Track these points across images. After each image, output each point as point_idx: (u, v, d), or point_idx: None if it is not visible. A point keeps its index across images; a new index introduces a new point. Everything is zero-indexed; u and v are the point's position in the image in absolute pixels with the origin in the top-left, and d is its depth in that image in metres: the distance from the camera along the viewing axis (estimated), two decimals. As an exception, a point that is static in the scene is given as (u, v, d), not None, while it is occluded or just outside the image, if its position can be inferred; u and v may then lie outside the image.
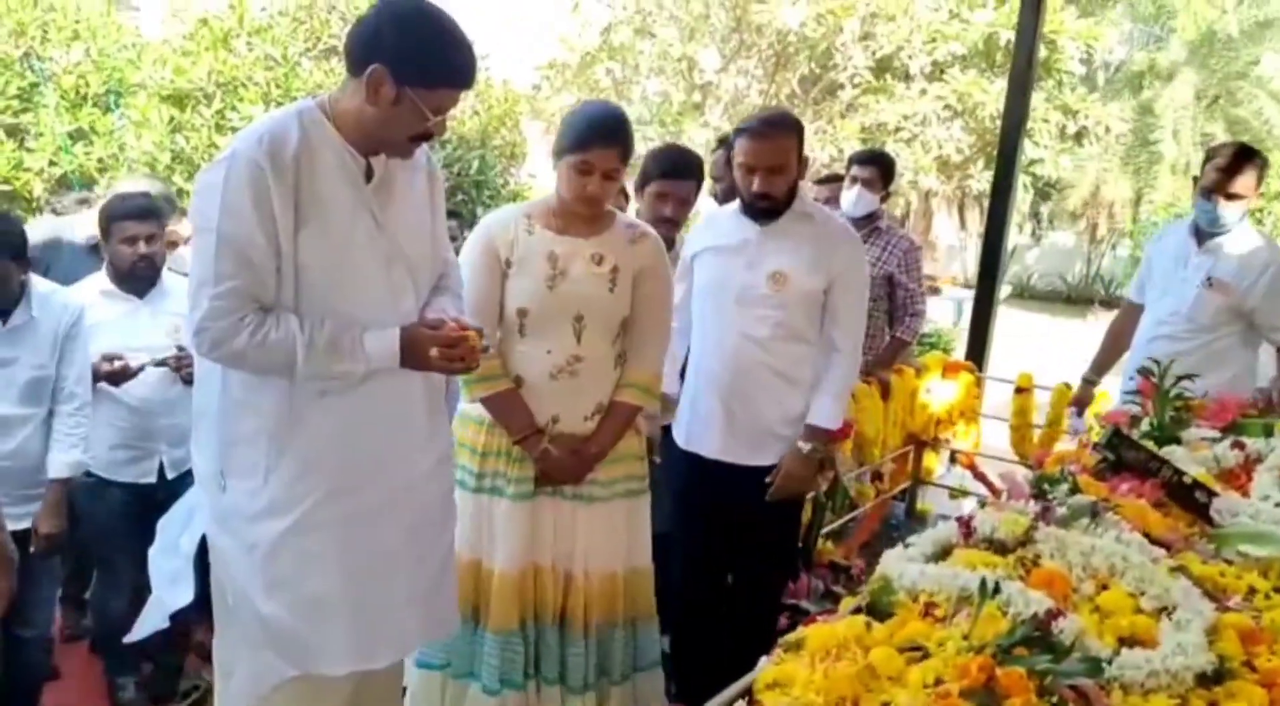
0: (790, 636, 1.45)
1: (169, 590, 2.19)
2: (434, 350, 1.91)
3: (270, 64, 6.27)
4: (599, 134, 2.33)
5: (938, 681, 1.30)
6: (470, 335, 1.92)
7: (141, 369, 2.89)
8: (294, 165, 1.82)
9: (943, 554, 1.79)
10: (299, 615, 1.95)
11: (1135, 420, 2.76)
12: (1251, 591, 1.87)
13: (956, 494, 5.04)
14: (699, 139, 9.42)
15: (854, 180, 4.28)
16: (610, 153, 2.34)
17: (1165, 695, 1.40)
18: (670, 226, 3.16)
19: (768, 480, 2.81)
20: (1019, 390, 4.62)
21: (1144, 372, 2.98)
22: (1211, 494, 2.20)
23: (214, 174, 1.82)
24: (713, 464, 2.88)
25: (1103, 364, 3.98)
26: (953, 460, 5.10)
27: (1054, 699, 1.29)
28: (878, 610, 1.58)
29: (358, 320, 1.89)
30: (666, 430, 3.03)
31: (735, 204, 2.91)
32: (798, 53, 10.30)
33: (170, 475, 2.99)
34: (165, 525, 2.30)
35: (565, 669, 2.51)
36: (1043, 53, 11.46)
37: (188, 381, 2.82)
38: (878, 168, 4.32)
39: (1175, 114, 17.99)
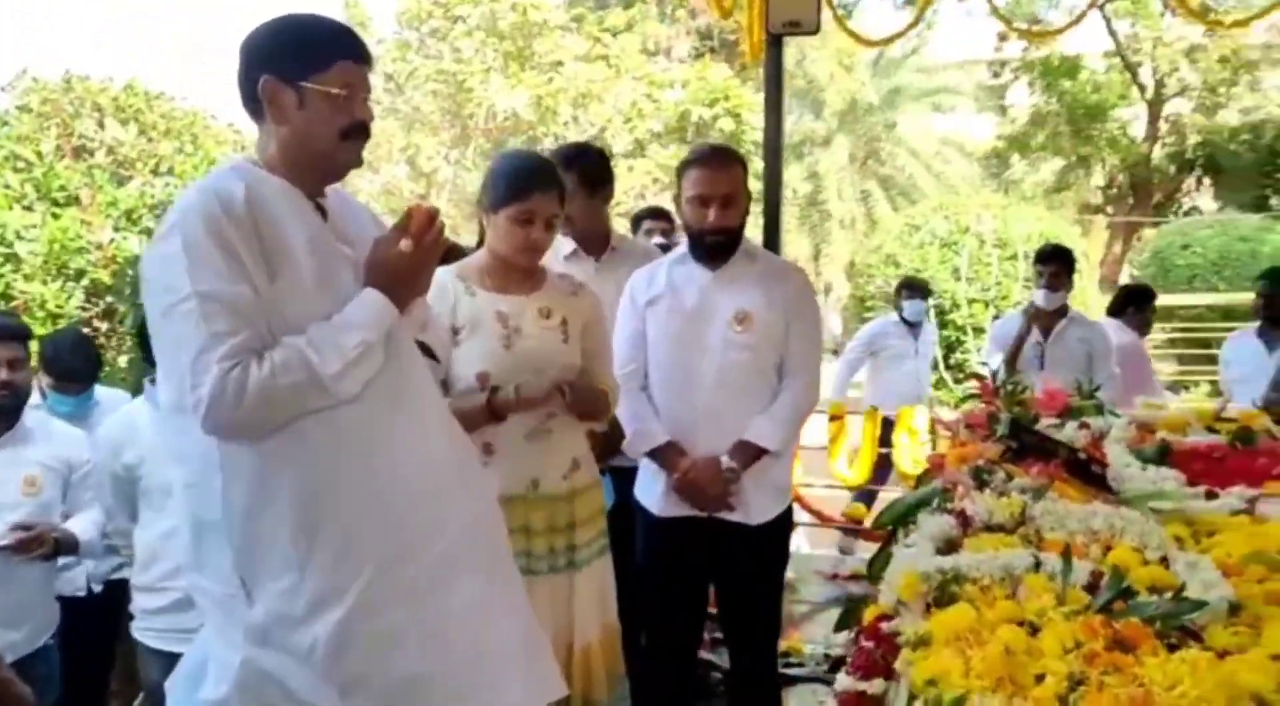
0: (913, 631, 1.44)
1: None
2: (404, 243, 1.73)
3: (21, 164, 5.58)
4: (538, 180, 2.26)
5: (1066, 649, 1.34)
6: (417, 204, 1.79)
7: None
8: (248, 214, 1.62)
9: (950, 546, 1.85)
10: (392, 703, 1.69)
11: (993, 417, 2.99)
12: (1179, 539, 2.07)
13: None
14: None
15: None
16: (551, 198, 2.28)
17: (1220, 626, 1.50)
18: (568, 224, 3.09)
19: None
20: (833, 417, 4.90)
21: (977, 376, 3.28)
22: (1104, 465, 2.43)
23: (167, 244, 1.59)
24: (700, 525, 2.70)
25: None
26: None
27: (1170, 640, 1.36)
28: (941, 602, 1.60)
29: None
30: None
31: (679, 251, 2.83)
32: (514, 136, 10.57)
33: None
34: (175, 686, 1.88)
35: None
36: (731, 126, 12.41)
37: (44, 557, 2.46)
38: None
39: (836, 175, 20.00)
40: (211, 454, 1.65)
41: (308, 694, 1.69)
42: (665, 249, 3.52)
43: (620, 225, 4.29)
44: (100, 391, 3.35)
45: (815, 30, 4.64)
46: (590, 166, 3.23)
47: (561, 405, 2.33)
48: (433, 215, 1.79)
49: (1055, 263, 4.74)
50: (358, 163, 1.82)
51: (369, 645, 1.68)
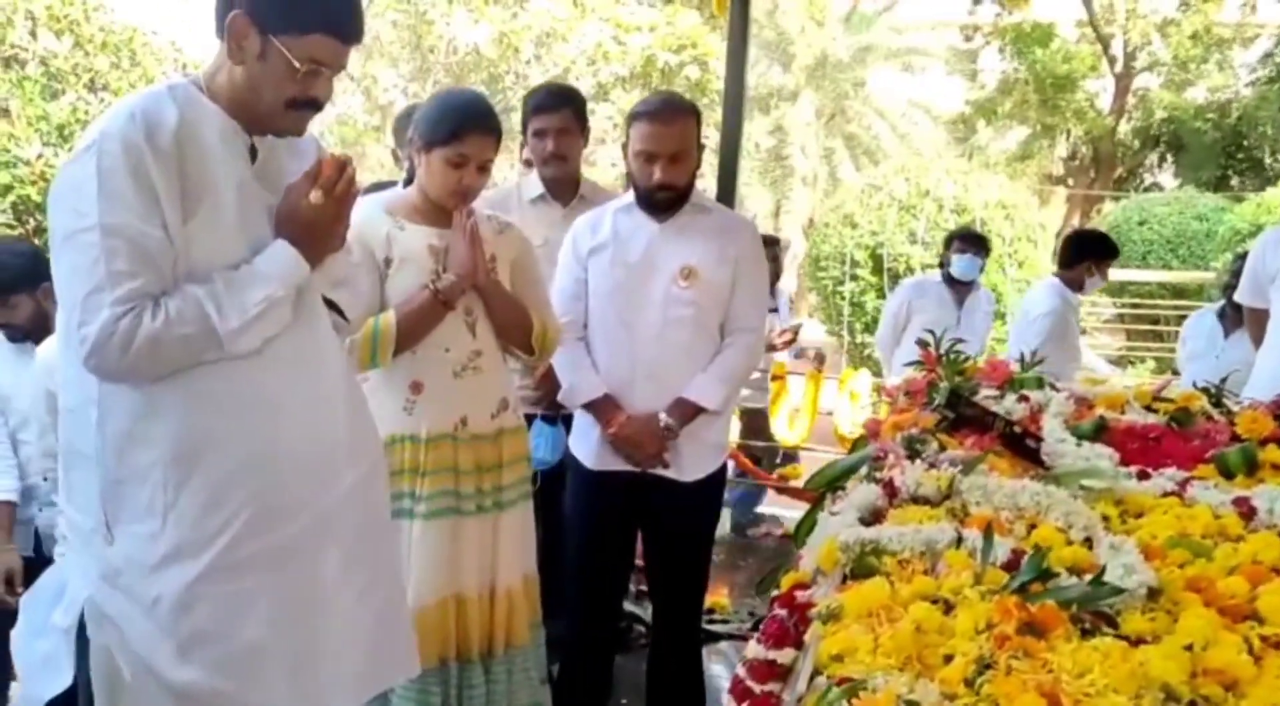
0: (825, 604, 1.39)
1: (40, 676, 1.77)
2: (313, 195, 1.65)
3: None
4: (476, 122, 2.17)
5: (978, 630, 1.30)
6: (331, 155, 1.70)
7: None
8: (175, 146, 1.53)
9: (875, 516, 1.82)
10: (227, 673, 1.62)
11: (933, 386, 2.96)
12: (1105, 519, 2.06)
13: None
14: (383, 157, 9.21)
15: None
16: (487, 141, 2.21)
17: (1137, 612, 1.48)
18: (560, 163, 3.08)
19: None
20: (774, 377, 4.87)
21: (922, 343, 3.24)
22: (1038, 440, 2.40)
23: (81, 165, 1.50)
24: (631, 480, 2.66)
25: None
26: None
27: (1084, 624, 1.33)
28: (858, 574, 1.56)
29: None
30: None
31: (625, 198, 2.73)
32: (474, 72, 10.34)
33: None
34: (29, 603, 1.88)
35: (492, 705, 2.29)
36: (697, 74, 12.24)
37: None
38: None
39: (801, 131, 19.87)
40: (90, 385, 1.58)
41: (142, 645, 1.63)
42: None
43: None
44: None
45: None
46: (583, 106, 3.17)
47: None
48: (343, 164, 1.71)
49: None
50: (298, 133, 1.73)
51: (217, 607, 1.62)
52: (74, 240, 1.51)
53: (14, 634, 1.88)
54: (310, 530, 1.69)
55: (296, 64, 1.60)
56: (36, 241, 5.11)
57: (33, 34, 5.11)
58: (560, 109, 3.09)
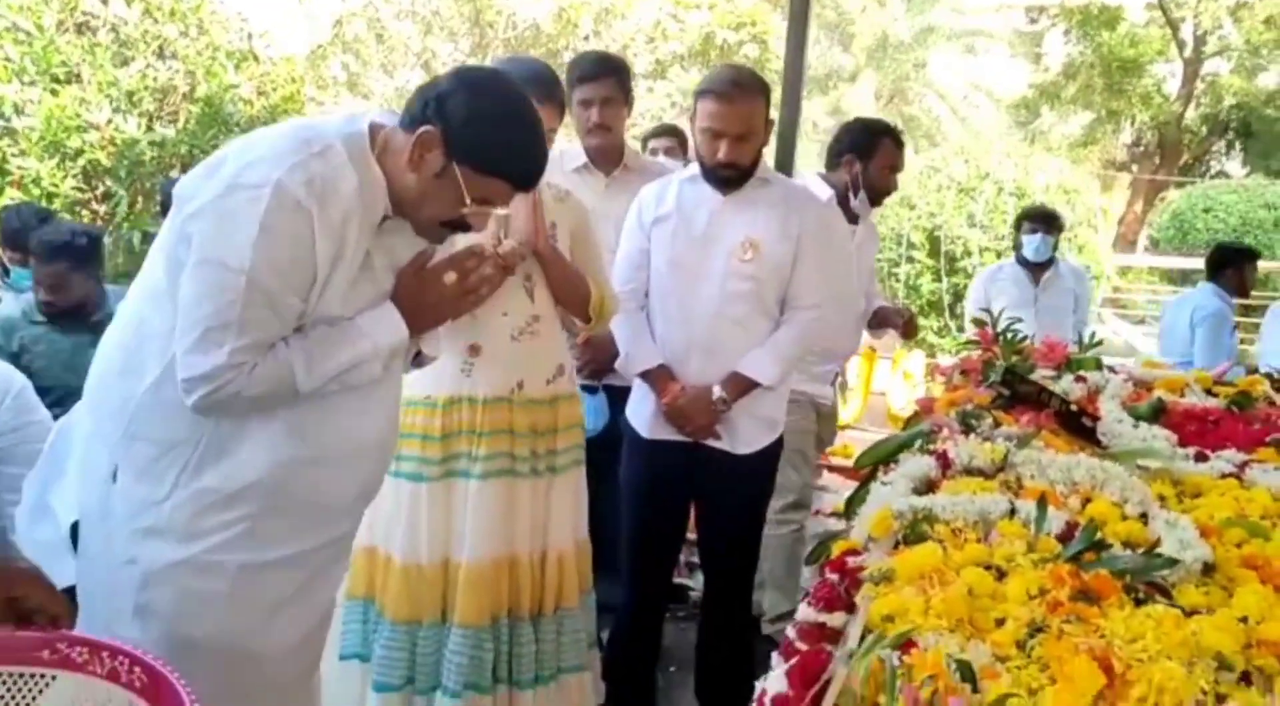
0: (877, 567, 1.41)
1: (45, 564, 1.83)
2: (448, 276, 1.69)
3: (21, 37, 5.32)
4: (542, 91, 2.21)
5: (1030, 596, 1.31)
6: (482, 247, 1.75)
7: None
8: (340, 218, 1.56)
9: (928, 487, 1.82)
10: (163, 651, 1.62)
11: (988, 364, 2.94)
12: (1161, 499, 2.04)
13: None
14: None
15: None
16: (552, 111, 2.30)
17: (1191, 586, 1.48)
18: (604, 133, 3.09)
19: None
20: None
21: (978, 323, 3.22)
22: (1095, 419, 2.39)
23: (248, 204, 1.51)
24: (685, 451, 2.67)
25: None
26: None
27: (1138, 594, 1.33)
28: (911, 541, 1.57)
29: None
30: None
31: (692, 168, 2.72)
32: (533, 47, 10.37)
33: None
34: (31, 482, 1.94)
35: (541, 665, 2.34)
36: (756, 52, 12.15)
37: None
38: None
39: (860, 112, 19.64)
40: (166, 349, 1.60)
41: (109, 589, 1.67)
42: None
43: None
44: None
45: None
46: (627, 75, 3.17)
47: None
48: (485, 258, 1.76)
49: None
50: (437, 243, 1.78)
51: (178, 595, 1.65)
52: (216, 271, 1.53)
53: (17, 513, 1.93)
54: (293, 556, 1.72)
55: (469, 199, 1.63)
56: (104, 207, 5.25)
57: (103, 1, 5.22)
58: (605, 78, 3.08)
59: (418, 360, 1.93)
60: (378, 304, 1.70)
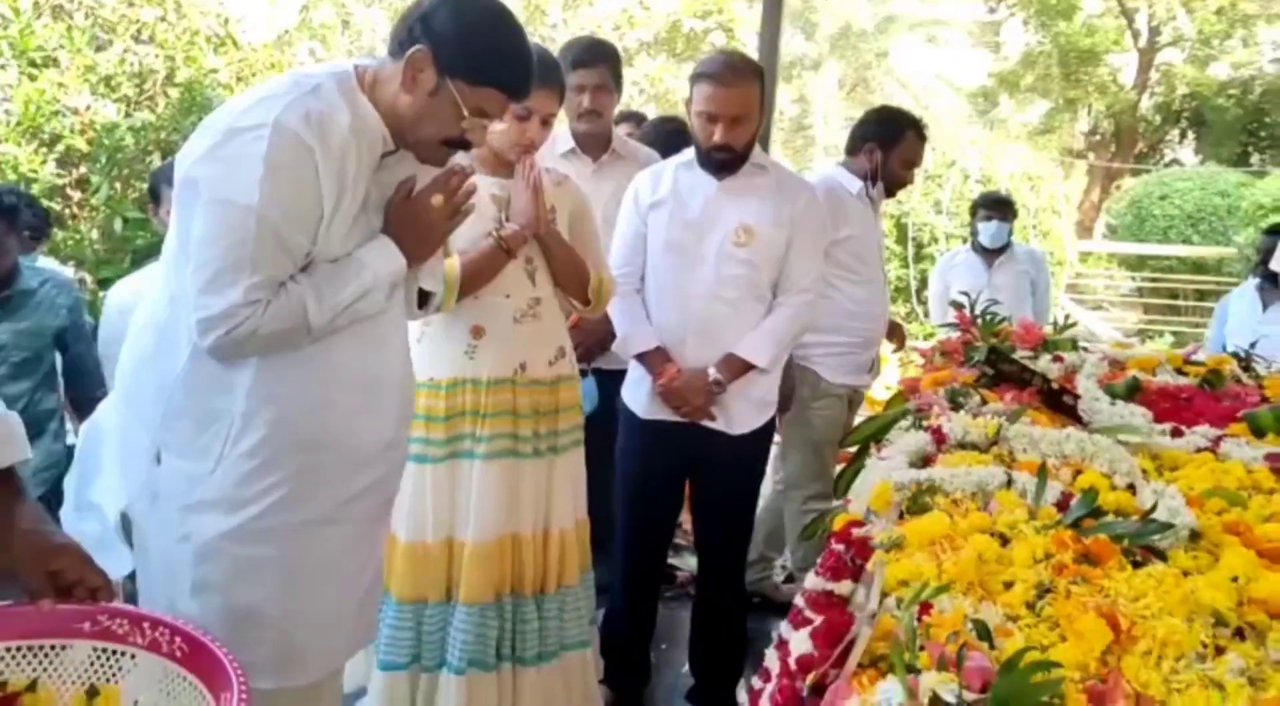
0: (887, 534, 1.48)
1: (96, 557, 1.87)
2: (435, 198, 1.72)
3: None
4: (541, 76, 2.22)
5: (1036, 560, 1.38)
6: (459, 165, 1.77)
7: None
8: (340, 154, 1.59)
9: (924, 461, 1.89)
10: (225, 623, 1.68)
11: (969, 345, 3.02)
12: (1144, 472, 2.13)
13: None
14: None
15: None
16: (552, 96, 2.28)
17: (1181, 550, 1.56)
18: (595, 119, 3.12)
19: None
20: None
21: (956, 305, 3.32)
22: (1076, 397, 2.47)
23: (250, 143, 1.54)
24: (680, 431, 2.73)
25: None
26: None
27: (1134, 558, 1.41)
28: (914, 511, 1.64)
29: None
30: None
31: (687, 154, 2.77)
32: (502, 35, 10.34)
33: None
34: (71, 483, 1.98)
35: (544, 642, 2.39)
36: (723, 40, 12.19)
37: None
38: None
39: (824, 100, 19.76)
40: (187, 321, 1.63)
41: (165, 569, 1.71)
42: None
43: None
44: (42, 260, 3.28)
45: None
46: (619, 63, 3.20)
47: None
48: (467, 174, 1.79)
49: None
50: (439, 165, 1.79)
51: (231, 565, 1.69)
52: (225, 210, 1.55)
53: (63, 513, 1.95)
54: (333, 512, 1.75)
55: (465, 111, 1.66)
56: (80, 193, 5.19)
57: (80, -16, 5.15)
58: (599, 65, 3.13)
59: (425, 306, 1.97)
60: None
